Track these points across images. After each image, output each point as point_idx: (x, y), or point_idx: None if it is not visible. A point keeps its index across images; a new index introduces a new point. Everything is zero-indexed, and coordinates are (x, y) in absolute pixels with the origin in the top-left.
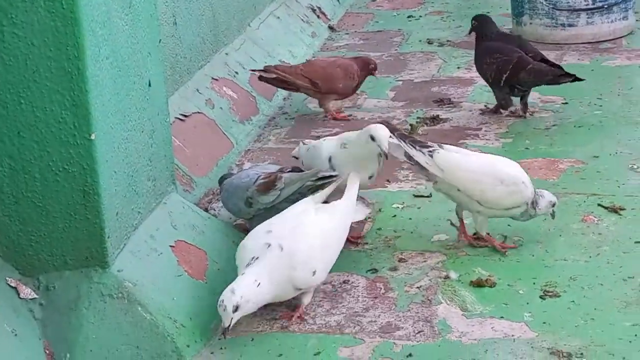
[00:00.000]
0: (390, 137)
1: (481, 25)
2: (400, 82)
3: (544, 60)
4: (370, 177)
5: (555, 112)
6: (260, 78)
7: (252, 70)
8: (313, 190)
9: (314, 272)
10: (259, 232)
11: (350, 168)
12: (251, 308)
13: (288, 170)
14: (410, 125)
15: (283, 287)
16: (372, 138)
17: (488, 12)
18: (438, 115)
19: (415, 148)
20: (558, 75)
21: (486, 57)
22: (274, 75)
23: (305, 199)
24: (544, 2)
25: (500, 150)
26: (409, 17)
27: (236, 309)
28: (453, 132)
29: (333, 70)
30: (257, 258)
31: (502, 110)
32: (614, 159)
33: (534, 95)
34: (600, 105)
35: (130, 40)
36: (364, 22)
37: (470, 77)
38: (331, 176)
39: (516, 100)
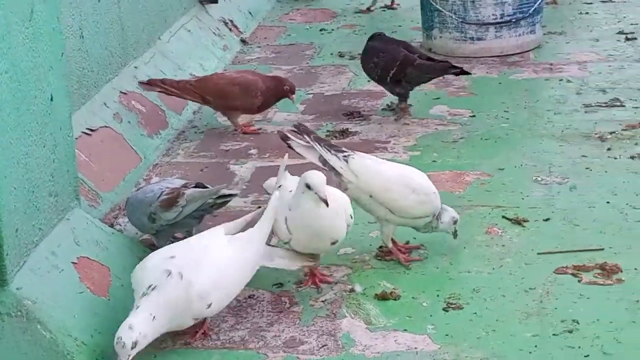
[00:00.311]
0: (305, 139)
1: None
2: (311, 96)
3: (430, 59)
4: (333, 244)
5: (462, 125)
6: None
7: (140, 83)
8: (215, 207)
9: (209, 305)
10: (161, 255)
11: (304, 234)
12: (148, 341)
13: (192, 186)
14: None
15: (180, 317)
16: (308, 186)
17: (399, 26)
18: (347, 129)
19: (330, 152)
20: (446, 68)
21: (372, 57)
22: (158, 89)
23: (217, 227)
24: (454, 16)
25: (408, 163)
26: (321, 30)
27: (135, 345)
28: (362, 145)
29: (229, 88)
30: (154, 287)
31: (405, 104)
32: (519, 171)
33: (442, 109)
34: (507, 118)
35: (30, 53)
36: (276, 36)
37: (380, 90)
38: (231, 195)
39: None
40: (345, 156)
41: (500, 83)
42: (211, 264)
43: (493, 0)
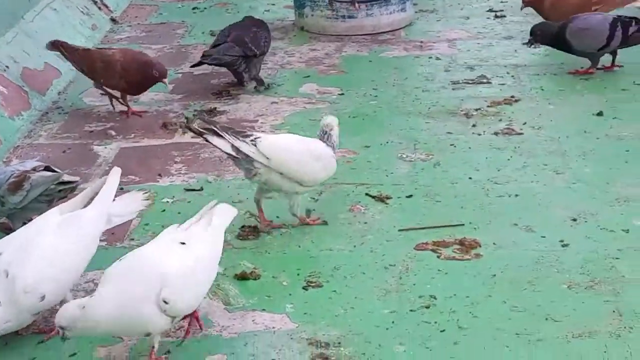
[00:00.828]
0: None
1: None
2: (180, 75)
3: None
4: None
5: (331, 104)
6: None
7: (48, 43)
8: (62, 192)
9: (42, 297)
10: None
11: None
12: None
13: (41, 169)
14: (186, 118)
15: (20, 314)
16: None
17: (273, 4)
18: (215, 108)
19: (238, 139)
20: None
21: (249, 31)
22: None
23: (52, 209)
24: None
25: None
26: (193, 9)
27: None
28: (229, 124)
29: (95, 64)
30: None
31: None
32: (385, 148)
33: (311, 87)
34: (376, 96)
35: None
36: (147, 14)
37: None
38: (71, 182)
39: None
40: (252, 140)
41: (370, 61)
42: (38, 255)
43: None
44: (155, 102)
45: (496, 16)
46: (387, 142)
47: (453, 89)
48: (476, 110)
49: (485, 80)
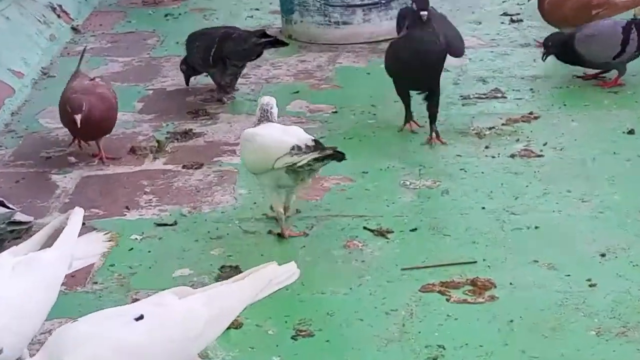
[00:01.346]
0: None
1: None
2: (151, 92)
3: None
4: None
5: (323, 123)
6: None
7: None
8: (14, 234)
9: (0, 351)
10: None
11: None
12: None
13: None
14: (158, 141)
15: None
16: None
17: (256, 9)
18: (191, 129)
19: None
20: (261, 34)
21: (194, 42)
22: None
23: (3, 253)
24: None
25: None
26: (166, 16)
27: None
28: (207, 148)
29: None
30: None
31: (226, 96)
32: (385, 174)
33: (301, 104)
34: (374, 114)
35: None
36: (114, 22)
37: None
38: (23, 222)
39: None
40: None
41: (368, 73)
42: None
43: None
44: (122, 123)
45: (512, 20)
46: (388, 167)
47: (463, 105)
48: (489, 129)
49: (499, 95)
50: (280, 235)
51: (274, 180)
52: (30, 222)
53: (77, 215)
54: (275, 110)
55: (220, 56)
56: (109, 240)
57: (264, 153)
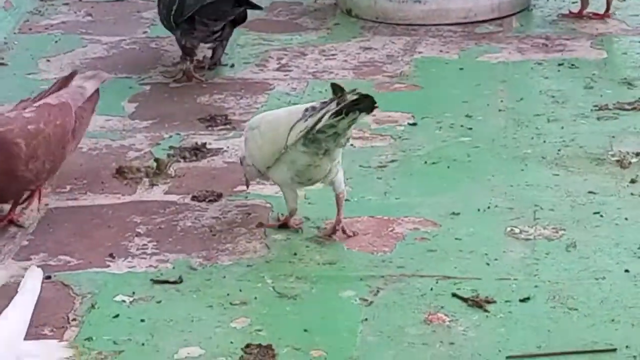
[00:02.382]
0: None
1: None
2: (147, 87)
3: None
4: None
5: (395, 139)
6: None
7: None
8: None
9: None
10: None
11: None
12: None
13: None
14: (156, 160)
15: None
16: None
17: None
18: (204, 144)
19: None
20: None
21: None
22: None
23: None
24: None
25: (302, 203)
26: None
27: None
28: (227, 172)
29: None
30: None
31: (188, 63)
32: (484, 217)
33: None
34: (470, 129)
35: None
36: None
37: (263, 79)
38: None
39: None
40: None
41: (461, 69)
42: None
43: None
44: (107, 132)
45: None
46: (489, 207)
47: (598, 119)
48: (637, 155)
49: None
50: (283, 226)
51: (289, 168)
52: None
53: (33, 280)
54: None
55: (182, 12)
56: (70, 351)
57: (273, 131)
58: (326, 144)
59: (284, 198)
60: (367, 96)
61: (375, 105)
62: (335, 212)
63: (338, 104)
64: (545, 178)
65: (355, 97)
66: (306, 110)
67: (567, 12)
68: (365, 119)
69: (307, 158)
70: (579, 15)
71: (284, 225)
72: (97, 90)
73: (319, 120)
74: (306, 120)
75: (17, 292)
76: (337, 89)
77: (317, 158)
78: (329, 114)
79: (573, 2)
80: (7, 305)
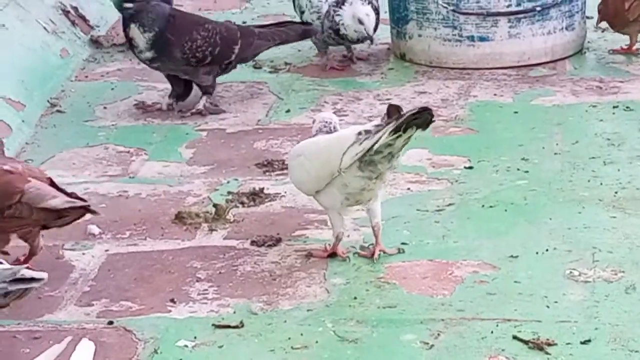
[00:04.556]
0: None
1: None
2: (204, 133)
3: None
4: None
5: (452, 183)
6: None
7: None
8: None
9: None
10: None
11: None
12: None
13: None
14: (215, 206)
15: None
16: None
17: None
18: (262, 189)
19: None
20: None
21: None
22: None
23: None
24: (441, 2)
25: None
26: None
27: None
28: (286, 216)
29: None
30: None
31: (208, 104)
32: (543, 260)
33: (420, 155)
34: (526, 172)
35: None
36: None
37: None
38: (35, 279)
39: None
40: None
41: (516, 112)
42: None
43: None
44: (165, 178)
45: None
46: (547, 250)
47: None
48: None
49: None
50: (332, 255)
51: (341, 191)
52: (42, 279)
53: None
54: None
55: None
56: None
57: (326, 154)
58: (381, 166)
59: (330, 223)
60: (425, 109)
61: (433, 118)
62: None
63: (396, 122)
64: (603, 220)
65: (414, 111)
66: (359, 133)
67: (619, 48)
68: (422, 162)
69: (361, 181)
70: (629, 51)
71: (332, 255)
72: None
73: (377, 140)
74: (361, 143)
75: None
76: (393, 110)
77: (370, 181)
78: (388, 131)
79: (627, 45)
80: None
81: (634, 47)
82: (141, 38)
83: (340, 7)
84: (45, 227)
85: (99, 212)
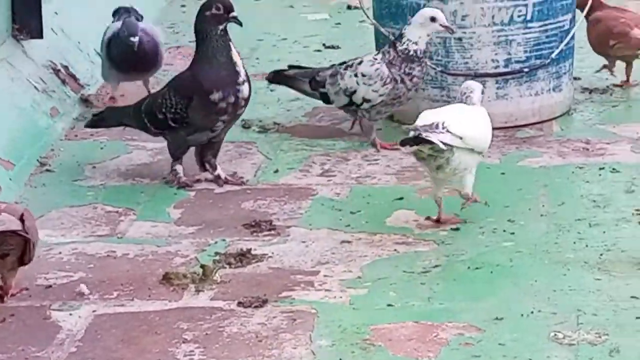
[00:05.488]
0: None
1: None
2: (192, 194)
3: None
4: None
5: (439, 244)
6: None
7: None
8: None
9: None
10: None
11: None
12: None
13: None
14: (202, 267)
15: None
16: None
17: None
18: (250, 250)
19: (435, 132)
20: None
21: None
22: None
23: None
24: (429, 62)
25: (347, 308)
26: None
27: None
28: (273, 277)
29: None
30: None
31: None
32: (528, 322)
33: (406, 216)
34: (512, 233)
35: None
36: (140, 91)
37: (307, 185)
38: None
39: None
40: (444, 127)
41: (503, 173)
42: None
43: (493, 36)
44: (152, 238)
45: None
46: (532, 312)
47: None
48: None
49: None
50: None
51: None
52: None
53: None
54: (476, 95)
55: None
56: None
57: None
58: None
59: (469, 183)
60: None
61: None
62: None
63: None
64: (588, 283)
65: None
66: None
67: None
68: (409, 223)
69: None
70: (627, 84)
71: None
72: None
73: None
74: None
75: None
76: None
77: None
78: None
79: (613, 106)
80: None
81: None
82: None
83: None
84: None
85: (28, 236)
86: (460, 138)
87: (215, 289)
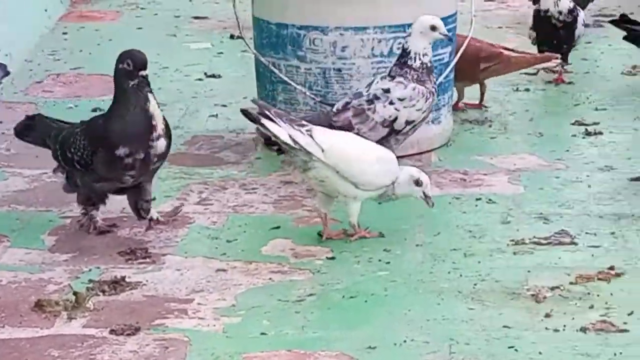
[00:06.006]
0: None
1: None
2: (68, 220)
3: None
4: None
5: (314, 274)
6: None
7: None
8: None
9: None
10: None
11: None
12: None
13: None
14: (75, 294)
15: None
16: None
17: (224, 106)
18: (124, 278)
19: (293, 127)
20: None
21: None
22: None
23: None
24: (308, 92)
25: (221, 337)
26: (94, 110)
27: None
28: (146, 305)
29: None
30: None
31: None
32: (401, 351)
33: (282, 245)
34: (388, 263)
35: None
36: (18, 117)
37: (184, 213)
38: None
39: None
40: (308, 130)
41: (380, 203)
42: None
43: (372, 68)
44: (26, 265)
45: (587, 133)
46: (405, 341)
47: (514, 253)
48: (552, 289)
49: (567, 240)
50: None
51: (368, 195)
52: None
53: None
54: None
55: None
56: None
57: (389, 180)
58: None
59: (350, 211)
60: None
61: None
62: None
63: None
64: (461, 312)
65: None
66: None
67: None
68: (285, 252)
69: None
70: (455, 107)
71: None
72: None
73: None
74: None
75: None
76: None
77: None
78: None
79: (491, 137)
80: None
81: (460, 103)
82: None
83: None
84: None
85: None
86: (322, 150)
87: (87, 316)
